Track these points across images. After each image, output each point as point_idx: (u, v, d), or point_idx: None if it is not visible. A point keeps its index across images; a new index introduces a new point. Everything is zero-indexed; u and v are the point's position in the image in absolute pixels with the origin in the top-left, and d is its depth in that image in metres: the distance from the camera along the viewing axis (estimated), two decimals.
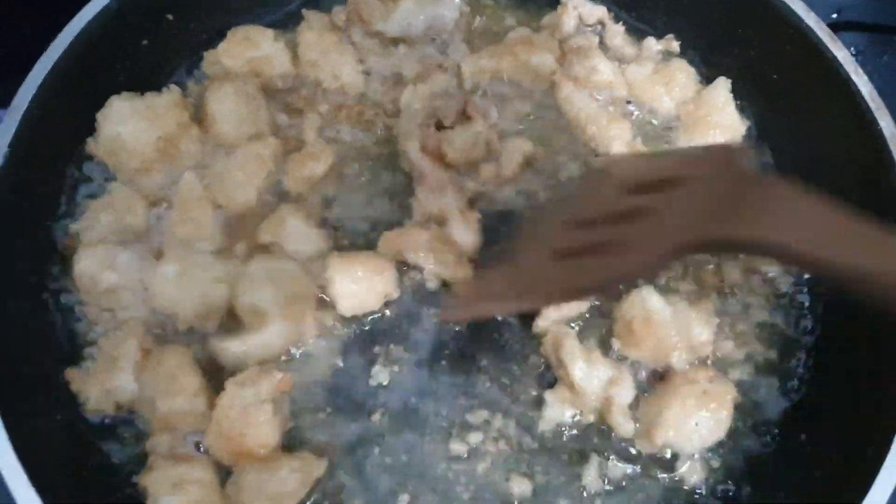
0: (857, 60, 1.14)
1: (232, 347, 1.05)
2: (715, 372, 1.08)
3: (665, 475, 1.05)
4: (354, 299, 1.10)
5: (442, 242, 1.13)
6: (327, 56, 1.25)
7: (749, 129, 1.27)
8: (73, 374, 1.04)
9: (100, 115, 1.13)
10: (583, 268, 0.87)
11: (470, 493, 1.03)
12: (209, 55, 1.25)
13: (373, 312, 1.13)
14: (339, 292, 1.09)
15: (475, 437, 1.06)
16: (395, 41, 1.30)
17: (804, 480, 1.03)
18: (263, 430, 1.00)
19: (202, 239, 1.13)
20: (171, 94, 1.18)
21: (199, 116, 1.20)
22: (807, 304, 1.16)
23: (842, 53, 1.15)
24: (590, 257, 0.86)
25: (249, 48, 1.23)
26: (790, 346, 1.14)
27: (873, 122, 1.10)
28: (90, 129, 1.14)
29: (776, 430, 1.09)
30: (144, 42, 1.21)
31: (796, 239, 0.77)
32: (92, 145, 1.14)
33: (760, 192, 0.80)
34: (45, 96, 1.07)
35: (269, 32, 1.25)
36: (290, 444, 1.05)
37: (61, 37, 1.10)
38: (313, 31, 1.26)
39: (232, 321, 1.10)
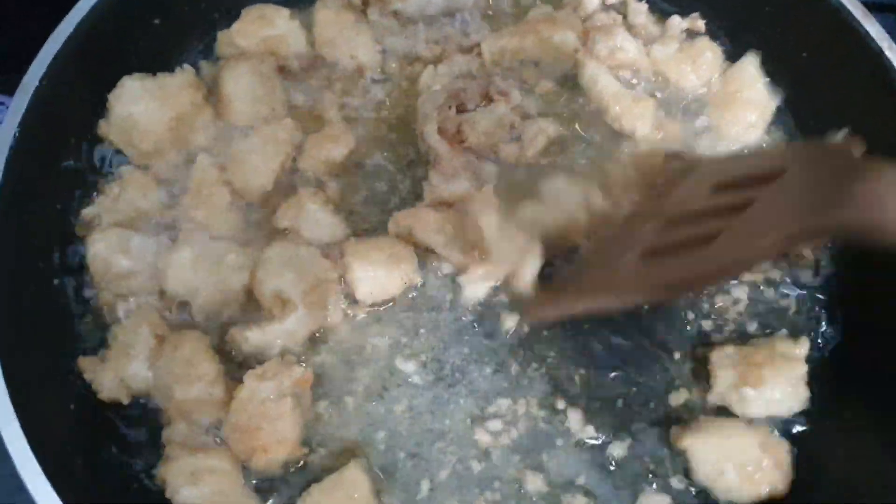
0: None
1: (254, 337, 1.02)
2: None
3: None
4: (373, 285, 1.07)
5: (454, 225, 1.10)
6: (344, 35, 1.22)
7: (778, 107, 1.23)
8: (85, 363, 1.01)
9: (111, 96, 1.10)
10: (674, 265, 0.87)
11: (490, 480, 1.01)
12: (223, 36, 1.22)
13: (393, 299, 1.10)
14: (357, 278, 1.06)
15: (496, 426, 1.04)
16: (414, 20, 1.27)
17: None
18: (282, 425, 0.97)
19: (218, 223, 1.10)
20: (184, 73, 1.15)
21: (213, 97, 1.17)
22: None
23: (874, 28, 1.11)
24: (681, 254, 0.86)
25: (264, 27, 1.20)
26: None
27: None
28: (102, 110, 1.11)
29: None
30: (156, 21, 1.18)
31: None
32: (103, 127, 1.11)
33: (865, 177, 0.82)
34: (55, 76, 1.03)
35: (285, 11, 1.22)
36: (313, 434, 1.02)
37: (71, 15, 1.06)
38: (330, 9, 1.23)
39: (247, 309, 1.07)
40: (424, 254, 1.12)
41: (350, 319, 1.09)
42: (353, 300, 1.08)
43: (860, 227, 0.80)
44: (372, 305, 1.09)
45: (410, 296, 1.11)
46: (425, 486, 1.00)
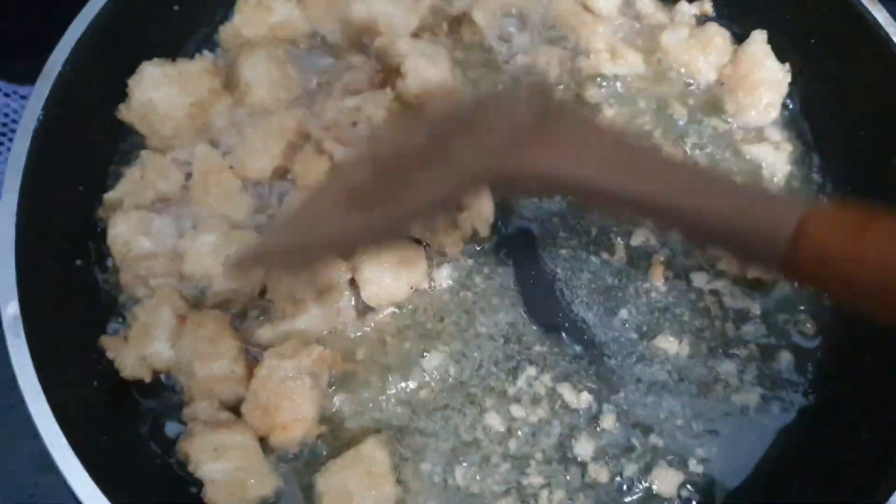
0: None
1: (266, 335, 1.04)
2: None
3: None
4: (380, 289, 1.07)
5: None
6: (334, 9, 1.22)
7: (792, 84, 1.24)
8: (107, 342, 1.02)
9: (131, 81, 1.11)
10: (375, 212, 0.86)
11: (511, 459, 1.03)
12: (224, 30, 1.22)
13: (398, 304, 1.10)
14: (365, 279, 1.06)
15: (519, 410, 1.06)
16: None
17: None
18: (301, 403, 0.98)
19: (231, 208, 1.10)
20: (203, 60, 1.16)
21: (231, 83, 1.17)
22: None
23: (882, 15, 1.13)
24: (385, 199, 0.86)
25: (265, 14, 1.20)
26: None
27: None
28: (122, 94, 1.12)
29: None
30: (175, 7, 1.20)
31: (577, 170, 0.78)
32: (123, 111, 1.12)
33: (554, 125, 0.80)
34: (78, 61, 1.05)
35: None
36: (331, 413, 1.04)
37: (93, 1, 1.08)
38: None
39: (261, 299, 1.08)
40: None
41: (364, 317, 1.09)
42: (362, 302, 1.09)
43: (534, 177, 0.81)
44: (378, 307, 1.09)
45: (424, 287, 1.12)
46: (441, 465, 1.02)
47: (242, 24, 1.21)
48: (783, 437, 1.06)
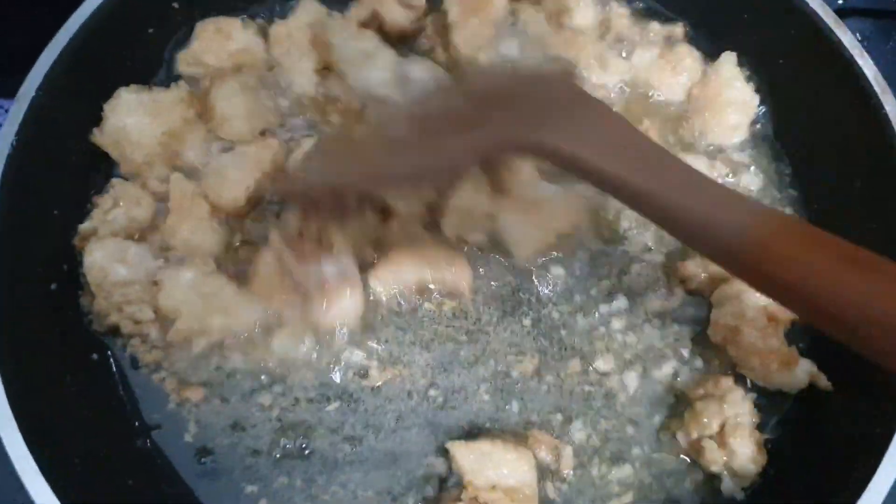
0: (862, 46, 1.14)
1: None
2: None
3: None
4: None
5: None
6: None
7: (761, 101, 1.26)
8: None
9: (107, 106, 1.12)
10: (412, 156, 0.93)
11: None
12: (183, 56, 1.21)
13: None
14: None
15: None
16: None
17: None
18: None
19: (202, 237, 1.10)
20: (178, 89, 1.16)
21: (204, 113, 1.17)
22: None
23: (847, 37, 1.14)
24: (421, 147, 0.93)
25: (225, 41, 1.19)
26: None
27: (879, 107, 1.10)
28: (97, 119, 1.12)
29: None
30: (150, 30, 1.20)
31: (589, 153, 0.84)
32: (97, 135, 1.12)
33: (576, 109, 0.88)
34: (53, 85, 1.05)
35: (237, 22, 1.21)
36: None
37: (68, 24, 1.07)
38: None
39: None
40: None
41: None
42: None
43: (549, 152, 0.85)
44: None
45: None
46: None
47: (202, 51, 1.20)
48: None
